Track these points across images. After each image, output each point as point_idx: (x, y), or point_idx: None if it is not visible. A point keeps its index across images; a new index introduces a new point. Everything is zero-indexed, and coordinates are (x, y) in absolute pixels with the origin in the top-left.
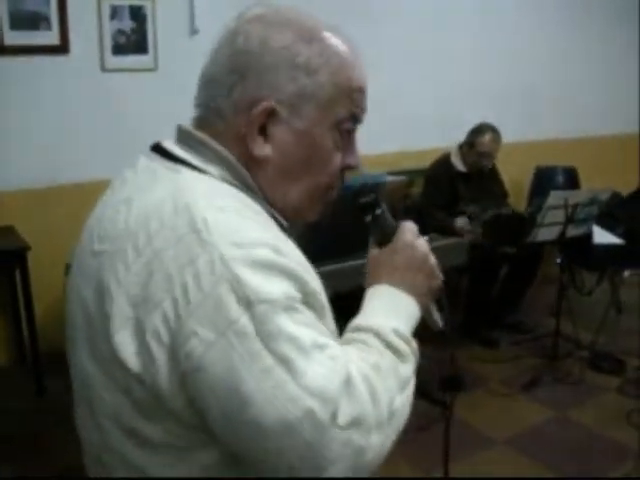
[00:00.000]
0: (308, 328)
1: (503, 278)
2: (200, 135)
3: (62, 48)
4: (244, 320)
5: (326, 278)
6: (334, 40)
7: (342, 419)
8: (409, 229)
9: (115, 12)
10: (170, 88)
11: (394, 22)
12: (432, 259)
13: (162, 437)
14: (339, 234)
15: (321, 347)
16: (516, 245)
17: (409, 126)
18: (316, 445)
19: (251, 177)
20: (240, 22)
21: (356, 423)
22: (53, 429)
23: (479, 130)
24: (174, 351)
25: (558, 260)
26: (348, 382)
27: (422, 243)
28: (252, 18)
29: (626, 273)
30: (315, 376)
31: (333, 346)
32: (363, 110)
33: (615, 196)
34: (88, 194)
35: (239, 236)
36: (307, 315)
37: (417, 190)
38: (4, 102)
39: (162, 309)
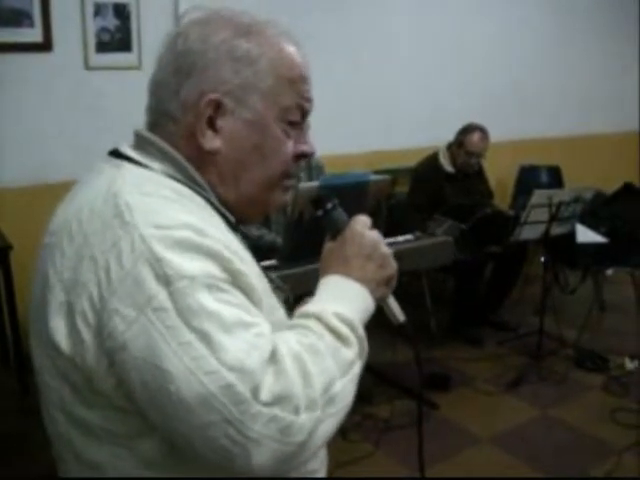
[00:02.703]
0: (233, 307)
1: (488, 276)
2: (148, 135)
3: (45, 46)
4: (162, 296)
5: (308, 277)
6: (271, 31)
7: (265, 395)
8: (359, 221)
9: (99, 10)
10: None
11: (378, 19)
12: (383, 248)
13: (102, 424)
14: (323, 233)
15: (246, 325)
16: (501, 244)
17: (393, 125)
18: (237, 421)
19: (204, 172)
20: (179, 26)
21: (281, 400)
22: (37, 428)
23: (467, 130)
24: (99, 331)
25: (542, 259)
26: (274, 359)
27: (372, 233)
28: (190, 21)
29: (609, 271)
30: (236, 352)
31: (260, 325)
32: (308, 100)
33: (599, 195)
34: None
35: (160, 217)
36: (233, 294)
37: (401, 189)
38: None
39: (88, 291)
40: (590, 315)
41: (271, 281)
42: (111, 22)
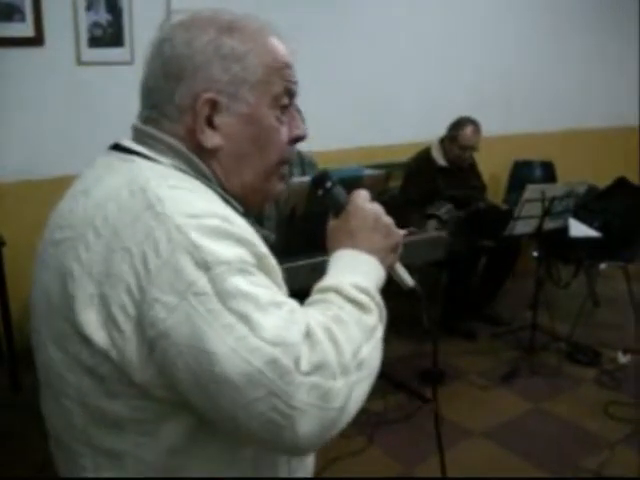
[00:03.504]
0: (264, 288)
1: (481, 271)
2: (150, 129)
3: (37, 40)
4: (203, 282)
5: (301, 272)
6: (252, 26)
7: (305, 366)
8: (360, 195)
9: (91, 4)
10: None
11: (371, 15)
12: (386, 218)
13: (127, 414)
14: (315, 228)
15: (278, 304)
16: (494, 238)
17: (386, 120)
18: (283, 393)
19: (208, 167)
20: (163, 31)
21: (319, 368)
22: (28, 425)
23: (460, 123)
24: (140, 321)
25: (535, 253)
26: (308, 332)
27: (374, 205)
28: (173, 25)
29: (602, 266)
30: (274, 328)
31: (290, 303)
32: (295, 83)
33: (592, 189)
34: (64, 189)
35: (191, 207)
36: (262, 278)
37: (395, 184)
38: None
39: (125, 282)
40: (583, 309)
41: None
42: (103, 17)
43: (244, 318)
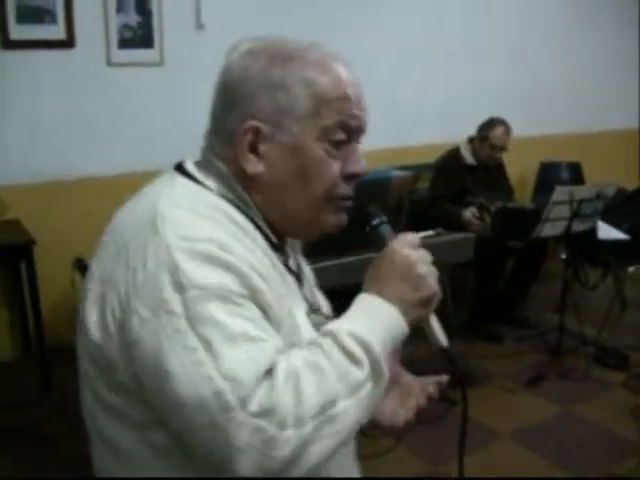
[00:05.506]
0: (244, 320)
1: (508, 273)
2: (206, 152)
3: (68, 42)
4: (176, 302)
5: (321, 274)
6: (312, 55)
7: (254, 406)
8: (402, 239)
9: (121, 6)
10: (176, 82)
11: (397, 16)
12: (421, 268)
13: (122, 407)
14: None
15: (250, 338)
16: (523, 240)
17: (414, 121)
18: (222, 427)
19: (250, 194)
20: (228, 58)
21: (268, 413)
22: (58, 423)
23: (491, 123)
24: (122, 325)
25: (563, 255)
26: (269, 373)
27: (410, 252)
28: (237, 52)
29: (631, 268)
30: (234, 362)
31: (266, 341)
32: (353, 117)
33: (621, 192)
34: (93, 188)
35: (187, 230)
36: (248, 308)
37: (423, 185)
38: (11, 96)
39: (118, 288)
40: (610, 312)
41: (309, 304)
42: (133, 18)
43: (208, 345)
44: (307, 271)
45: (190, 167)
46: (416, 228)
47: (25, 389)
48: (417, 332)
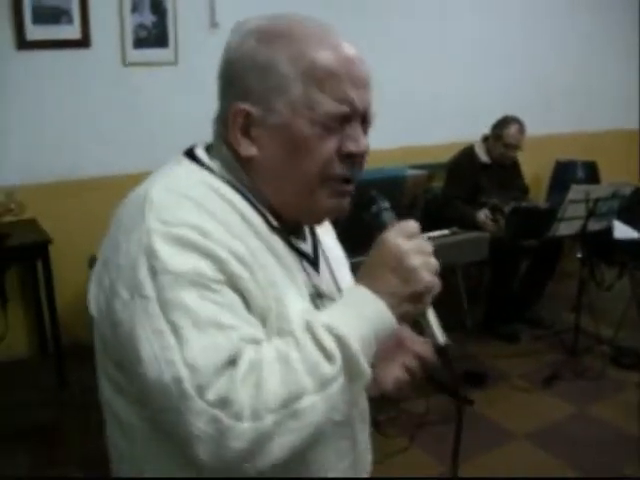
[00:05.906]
0: (216, 306)
1: (523, 272)
2: (216, 137)
3: (83, 42)
4: (149, 286)
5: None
6: (300, 33)
7: (211, 395)
8: (399, 227)
9: (136, 6)
10: (190, 82)
11: (411, 17)
12: (412, 261)
13: (123, 383)
14: (348, 230)
15: (219, 326)
16: (538, 239)
17: (429, 121)
18: (182, 413)
19: (249, 176)
20: (230, 36)
21: (225, 403)
22: (74, 422)
23: (505, 122)
24: (109, 306)
25: (579, 254)
26: (232, 363)
27: (403, 242)
28: (236, 30)
29: None
30: (196, 349)
31: (237, 329)
32: (345, 94)
33: (637, 191)
34: (109, 188)
35: (168, 214)
36: (223, 295)
37: (437, 184)
38: (26, 96)
39: (109, 269)
40: (627, 312)
41: (315, 289)
42: (148, 18)
43: (176, 330)
44: (335, 254)
45: (199, 151)
46: (430, 227)
47: (41, 388)
48: (414, 328)
